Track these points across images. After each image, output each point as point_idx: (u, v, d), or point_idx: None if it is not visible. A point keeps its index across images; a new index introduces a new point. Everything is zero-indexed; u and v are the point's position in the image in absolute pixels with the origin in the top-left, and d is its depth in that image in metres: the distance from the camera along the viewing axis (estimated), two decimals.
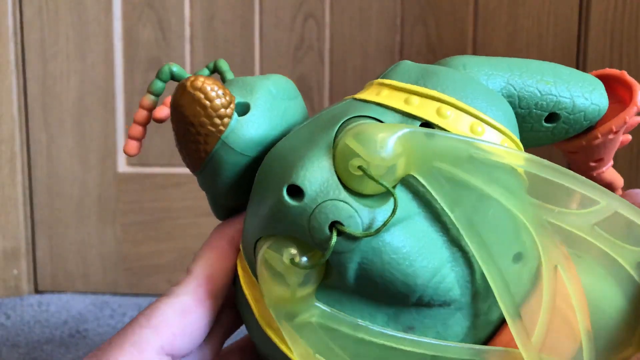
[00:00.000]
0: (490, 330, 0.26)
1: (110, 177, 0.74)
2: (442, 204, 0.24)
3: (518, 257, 0.25)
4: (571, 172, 0.25)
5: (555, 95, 0.27)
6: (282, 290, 0.24)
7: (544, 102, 0.27)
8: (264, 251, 0.24)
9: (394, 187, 0.24)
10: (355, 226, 0.23)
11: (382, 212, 0.23)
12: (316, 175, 0.24)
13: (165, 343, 0.26)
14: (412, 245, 0.24)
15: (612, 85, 0.29)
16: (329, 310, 0.24)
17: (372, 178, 0.23)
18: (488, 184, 0.24)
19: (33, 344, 0.63)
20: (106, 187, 0.74)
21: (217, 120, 0.26)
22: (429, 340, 0.24)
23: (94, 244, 0.75)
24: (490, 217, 0.24)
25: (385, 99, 0.26)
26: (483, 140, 0.24)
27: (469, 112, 0.26)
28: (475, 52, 0.72)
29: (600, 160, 0.30)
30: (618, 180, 0.31)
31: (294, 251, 0.24)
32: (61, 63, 0.73)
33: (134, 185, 0.74)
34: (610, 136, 0.28)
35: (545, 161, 0.25)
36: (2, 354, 0.61)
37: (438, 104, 0.26)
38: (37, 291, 0.76)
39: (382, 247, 0.23)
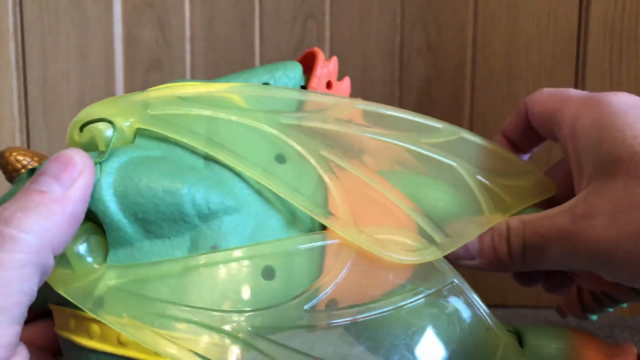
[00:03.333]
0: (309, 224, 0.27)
1: None
2: (175, 137, 0.26)
3: (281, 158, 0.27)
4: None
5: (255, 76, 0.32)
6: (68, 272, 0.24)
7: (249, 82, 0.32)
8: None
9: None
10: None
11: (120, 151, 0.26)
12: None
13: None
14: (153, 156, 0.26)
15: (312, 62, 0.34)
16: (120, 263, 0.25)
17: (102, 120, 0.26)
18: (208, 110, 0.27)
19: None
20: None
21: None
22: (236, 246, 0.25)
23: None
24: (227, 133, 0.27)
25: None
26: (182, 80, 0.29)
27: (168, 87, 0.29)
28: (475, 52, 0.72)
29: None
30: None
31: None
32: (61, 63, 0.73)
33: None
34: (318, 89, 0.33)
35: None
36: None
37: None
38: None
39: (125, 164, 0.25)
